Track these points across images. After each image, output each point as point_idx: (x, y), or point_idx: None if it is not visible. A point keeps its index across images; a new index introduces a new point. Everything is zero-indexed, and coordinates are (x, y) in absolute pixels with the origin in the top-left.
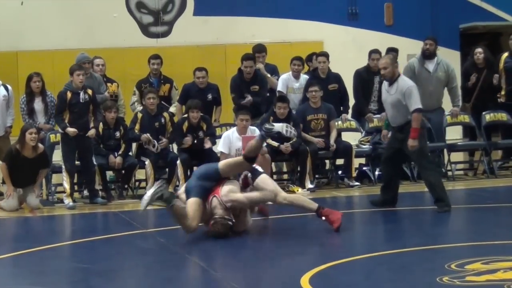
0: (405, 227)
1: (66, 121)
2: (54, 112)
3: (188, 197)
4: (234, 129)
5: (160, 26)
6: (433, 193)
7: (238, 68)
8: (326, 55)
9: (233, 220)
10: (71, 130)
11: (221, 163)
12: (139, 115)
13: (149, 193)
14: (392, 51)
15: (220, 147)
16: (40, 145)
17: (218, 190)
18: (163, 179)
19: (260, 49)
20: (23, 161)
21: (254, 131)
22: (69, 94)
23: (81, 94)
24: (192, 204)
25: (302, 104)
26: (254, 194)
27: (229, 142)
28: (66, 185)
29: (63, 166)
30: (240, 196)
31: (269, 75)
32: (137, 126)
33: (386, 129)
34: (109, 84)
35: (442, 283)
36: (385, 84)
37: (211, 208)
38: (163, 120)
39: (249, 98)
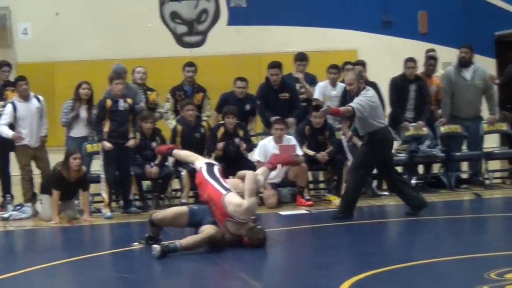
0: (443, 235)
1: (107, 129)
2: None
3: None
4: (270, 138)
5: (194, 36)
6: (343, 200)
7: (266, 76)
8: (363, 64)
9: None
10: (107, 145)
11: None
12: (179, 128)
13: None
14: (432, 59)
15: (256, 155)
16: (83, 168)
17: (223, 211)
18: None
19: (301, 57)
20: (66, 183)
21: (290, 139)
22: (109, 102)
23: (121, 102)
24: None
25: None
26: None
27: (265, 151)
28: (105, 195)
29: (103, 176)
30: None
31: (307, 86)
32: (178, 140)
33: (353, 131)
34: (149, 93)
35: None
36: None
37: (235, 230)
38: (202, 130)
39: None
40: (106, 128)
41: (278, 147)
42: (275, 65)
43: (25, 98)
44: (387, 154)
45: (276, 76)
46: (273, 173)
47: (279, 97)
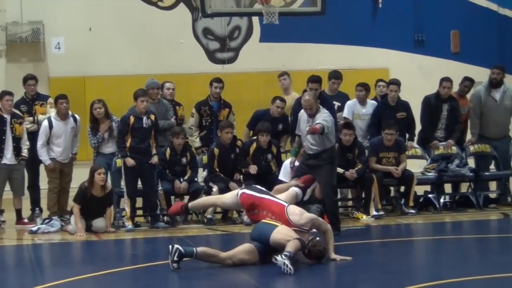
0: (470, 255)
1: (128, 144)
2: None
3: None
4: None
5: (226, 52)
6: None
7: (303, 90)
8: (398, 83)
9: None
10: (130, 161)
11: (275, 237)
12: (216, 150)
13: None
14: (468, 80)
15: (280, 175)
16: (108, 184)
17: (285, 219)
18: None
19: (336, 75)
20: (92, 199)
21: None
22: (132, 119)
23: (144, 119)
24: (246, 250)
25: (376, 137)
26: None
27: (289, 171)
28: (127, 209)
29: (125, 190)
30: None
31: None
32: (215, 163)
33: (294, 156)
34: (177, 108)
35: None
36: (305, 116)
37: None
38: (237, 150)
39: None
40: (127, 144)
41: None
42: (315, 79)
43: (63, 117)
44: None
45: (315, 90)
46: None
47: None
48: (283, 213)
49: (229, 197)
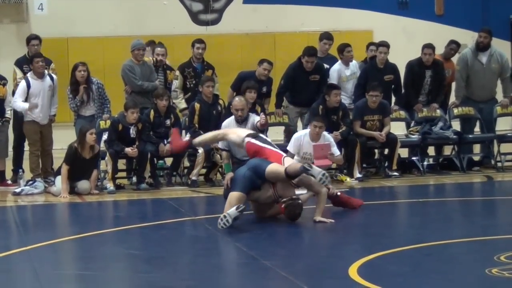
0: (453, 218)
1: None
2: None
3: (233, 187)
4: (306, 132)
5: (210, 13)
6: None
7: (298, 58)
8: (387, 45)
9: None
10: (130, 151)
11: (270, 169)
12: (197, 105)
13: (230, 216)
14: (454, 43)
15: (289, 147)
16: (97, 146)
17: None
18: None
19: (329, 36)
20: (80, 160)
21: (328, 138)
22: (120, 127)
23: (131, 129)
24: (235, 198)
25: (360, 100)
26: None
27: (299, 145)
28: (109, 170)
29: (107, 151)
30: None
31: None
32: (196, 119)
33: (230, 172)
34: (168, 72)
35: (491, 275)
36: (236, 124)
37: (281, 188)
38: (219, 108)
39: None
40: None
41: (313, 146)
42: (312, 53)
43: (40, 75)
44: None
45: (311, 63)
46: None
47: (309, 79)
48: (280, 161)
49: (236, 137)
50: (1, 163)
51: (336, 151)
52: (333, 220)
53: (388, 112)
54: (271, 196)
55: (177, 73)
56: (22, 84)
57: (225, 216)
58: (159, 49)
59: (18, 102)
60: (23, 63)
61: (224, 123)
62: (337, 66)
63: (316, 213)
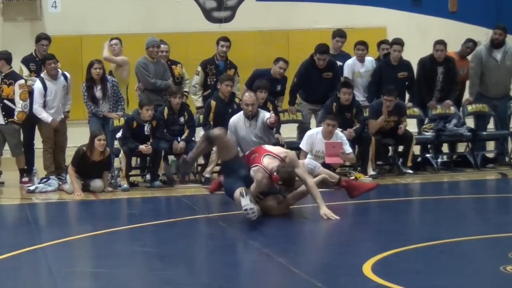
0: (467, 215)
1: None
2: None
3: (232, 189)
4: (319, 130)
5: (223, 11)
6: None
7: (311, 55)
8: (401, 43)
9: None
10: (144, 148)
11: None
12: (213, 103)
13: (249, 205)
14: (470, 41)
15: (302, 144)
16: (107, 149)
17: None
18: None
19: (342, 34)
20: (90, 164)
21: (340, 136)
22: (135, 124)
23: (146, 126)
24: (239, 190)
25: (376, 100)
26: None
27: (312, 142)
28: (123, 167)
29: (121, 149)
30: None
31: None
32: (211, 116)
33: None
34: (173, 67)
35: (506, 272)
36: (246, 120)
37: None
38: (235, 106)
39: None
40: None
41: (325, 144)
42: (324, 50)
43: (54, 76)
44: None
45: (323, 61)
46: None
47: (322, 76)
48: (261, 149)
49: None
50: (18, 161)
51: (348, 149)
52: (338, 217)
53: (404, 112)
54: (265, 176)
55: (199, 69)
56: (38, 86)
57: (246, 209)
58: (162, 46)
59: (42, 112)
60: (30, 61)
61: (233, 119)
62: (351, 61)
63: (318, 205)
